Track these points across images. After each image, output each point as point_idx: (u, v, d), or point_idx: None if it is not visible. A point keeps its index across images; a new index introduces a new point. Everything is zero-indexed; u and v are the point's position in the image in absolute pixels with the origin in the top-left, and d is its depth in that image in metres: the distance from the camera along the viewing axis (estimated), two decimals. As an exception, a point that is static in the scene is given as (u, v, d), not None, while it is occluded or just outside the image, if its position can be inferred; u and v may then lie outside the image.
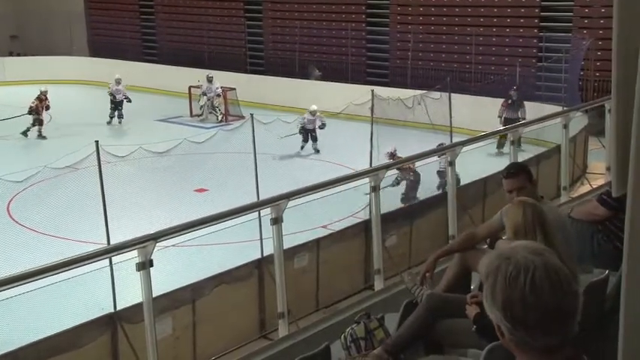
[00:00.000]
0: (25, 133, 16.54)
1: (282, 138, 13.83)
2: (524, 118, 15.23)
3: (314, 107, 15.60)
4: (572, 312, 1.41)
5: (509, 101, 15.67)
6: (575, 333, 1.43)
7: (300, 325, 6.05)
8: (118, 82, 18.27)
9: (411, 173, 10.76)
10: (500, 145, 13.91)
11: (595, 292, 3.53)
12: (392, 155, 11.69)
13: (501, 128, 9.02)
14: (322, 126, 15.66)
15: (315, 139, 15.71)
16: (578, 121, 11.57)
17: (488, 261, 1.48)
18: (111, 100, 18.03)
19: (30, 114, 16.62)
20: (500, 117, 15.45)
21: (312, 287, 7.59)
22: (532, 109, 14.31)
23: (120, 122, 18.08)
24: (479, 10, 18.70)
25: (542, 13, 17.88)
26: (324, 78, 20.51)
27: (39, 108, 16.75)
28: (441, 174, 10.32)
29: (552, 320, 1.40)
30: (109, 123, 17.89)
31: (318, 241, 7.83)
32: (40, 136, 16.71)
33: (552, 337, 1.41)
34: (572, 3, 17.41)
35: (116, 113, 18.01)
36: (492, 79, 16.99)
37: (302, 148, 15.79)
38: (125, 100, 17.98)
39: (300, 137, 15.66)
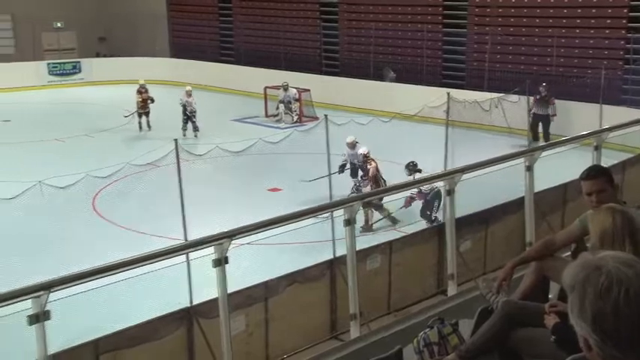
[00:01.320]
0: (147, 125, 18.27)
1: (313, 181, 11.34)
2: (554, 115, 15.69)
3: (351, 138, 12.01)
4: None
5: (538, 97, 15.52)
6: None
7: (372, 327, 6.04)
8: (188, 93, 17.67)
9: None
10: (535, 138, 15.30)
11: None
12: (365, 157, 11.22)
13: (584, 133, 8.74)
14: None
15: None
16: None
17: (573, 271, 1.43)
18: (182, 111, 17.56)
19: (143, 109, 18.24)
20: (529, 111, 15.58)
21: (384, 290, 7.55)
22: (618, 114, 13.74)
23: (196, 135, 17.32)
24: (561, 10, 18.08)
25: (630, 14, 17.11)
26: (399, 80, 20.38)
27: (144, 102, 18.17)
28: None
29: None
30: (184, 136, 17.04)
31: (390, 243, 7.79)
32: (148, 126, 18.23)
33: None
34: (665, 2, 16.61)
35: (189, 125, 17.49)
36: (574, 81, 16.41)
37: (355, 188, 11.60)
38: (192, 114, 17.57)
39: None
